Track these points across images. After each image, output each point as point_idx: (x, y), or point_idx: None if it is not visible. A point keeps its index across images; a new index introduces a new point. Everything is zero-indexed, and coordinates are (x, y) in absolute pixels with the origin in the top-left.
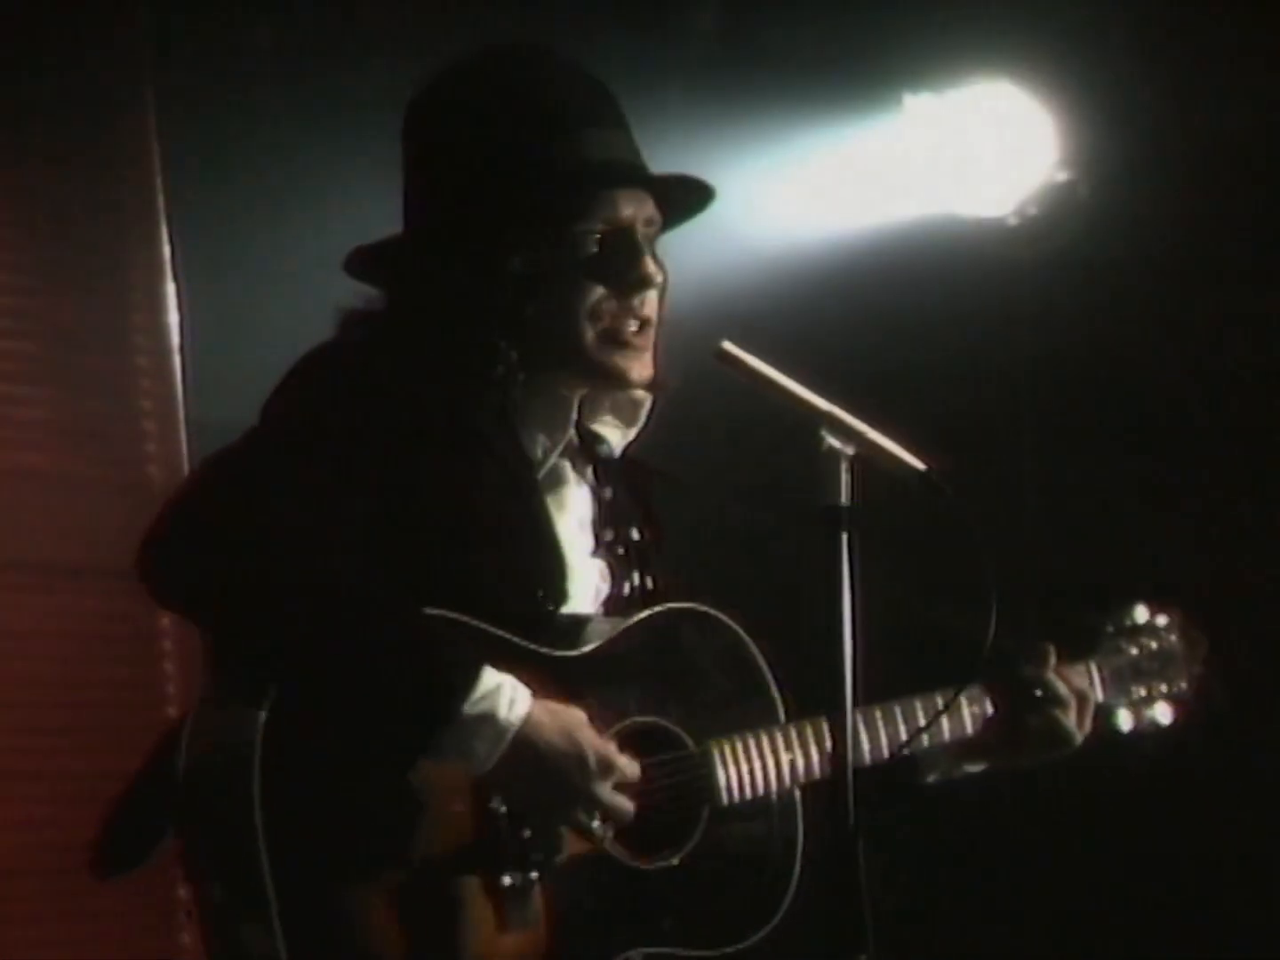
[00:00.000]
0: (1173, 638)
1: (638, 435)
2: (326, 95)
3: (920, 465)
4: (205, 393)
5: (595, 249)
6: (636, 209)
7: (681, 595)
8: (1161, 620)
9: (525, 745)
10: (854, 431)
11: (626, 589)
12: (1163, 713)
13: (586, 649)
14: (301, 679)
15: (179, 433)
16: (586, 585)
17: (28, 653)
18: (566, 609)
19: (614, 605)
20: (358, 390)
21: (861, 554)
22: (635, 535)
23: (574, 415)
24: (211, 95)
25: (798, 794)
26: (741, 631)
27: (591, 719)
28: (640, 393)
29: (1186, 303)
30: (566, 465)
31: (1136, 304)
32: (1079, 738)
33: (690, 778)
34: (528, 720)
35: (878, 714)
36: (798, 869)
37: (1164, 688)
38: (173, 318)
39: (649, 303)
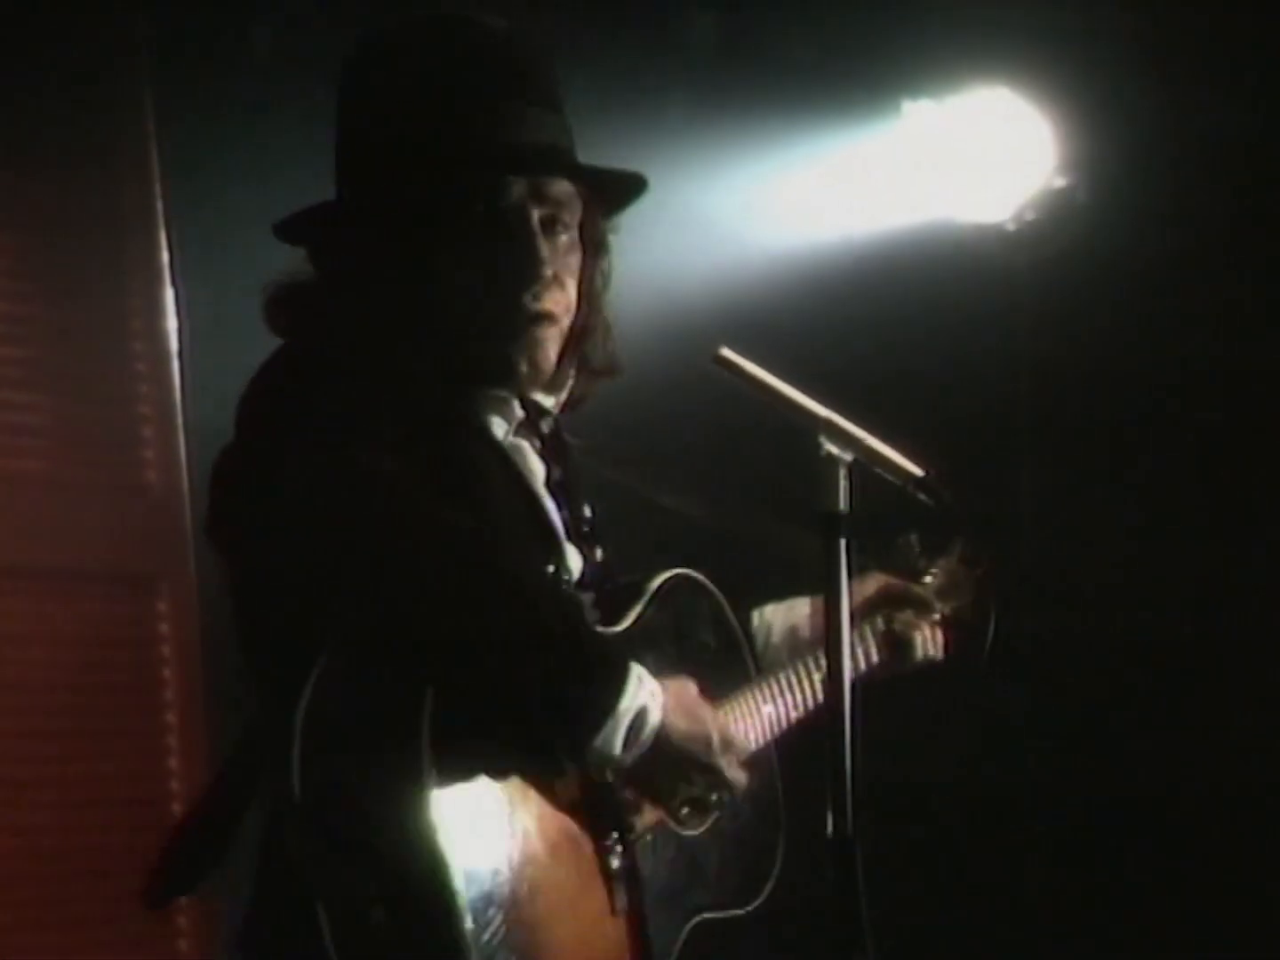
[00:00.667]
0: (954, 559)
1: (569, 395)
2: (327, 100)
3: (918, 471)
4: (204, 398)
5: (477, 232)
6: (530, 191)
7: (623, 566)
8: (947, 543)
9: (663, 738)
10: (852, 437)
11: (594, 564)
12: (940, 639)
13: (626, 624)
14: (453, 655)
15: (177, 438)
16: (572, 562)
17: (26, 658)
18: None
19: (584, 584)
20: (355, 391)
21: (858, 560)
22: (588, 513)
23: (517, 391)
24: (211, 100)
25: (773, 748)
26: (718, 593)
27: None
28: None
29: (1187, 308)
30: (523, 442)
31: (1136, 309)
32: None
33: None
34: (666, 714)
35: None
36: (783, 818)
37: (949, 607)
38: (171, 323)
39: (549, 296)
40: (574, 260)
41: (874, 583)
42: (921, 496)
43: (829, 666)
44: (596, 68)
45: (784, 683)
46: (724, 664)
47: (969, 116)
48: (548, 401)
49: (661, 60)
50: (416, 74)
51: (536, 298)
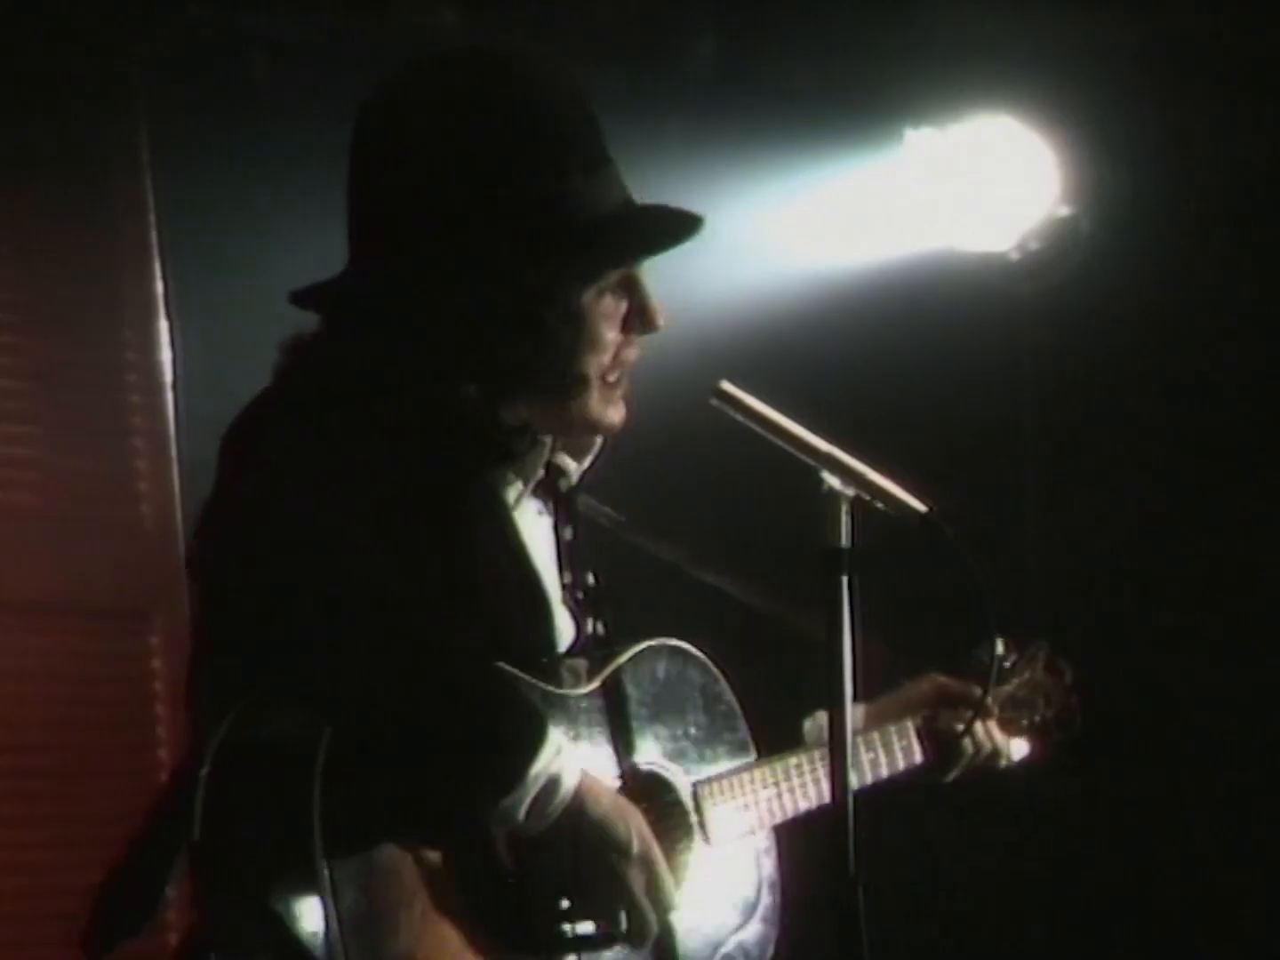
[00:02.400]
0: (1039, 668)
1: (594, 460)
2: (323, 130)
3: (921, 507)
4: (198, 432)
5: (612, 294)
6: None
7: (630, 636)
8: (1030, 651)
9: (576, 813)
10: (854, 473)
11: (586, 634)
12: (1019, 747)
13: (589, 688)
14: (365, 711)
15: (171, 472)
16: (563, 629)
17: (16, 693)
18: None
19: (577, 650)
20: (364, 431)
21: (862, 598)
22: (591, 580)
23: (547, 459)
24: (207, 132)
25: (771, 835)
26: (712, 664)
27: (601, 757)
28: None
29: (1191, 338)
30: (532, 503)
31: (1140, 340)
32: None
33: (684, 821)
34: (582, 786)
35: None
36: (778, 912)
37: (1035, 717)
38: (166, 355)
39: (637, 349)
40: None
41: (928, 683)
42: (924, 533)
43: (830, 708)
44: (590, 93)
45: (795, 769)
46: (714, 739)
47: (972, 144)
48: (570, 464)
49: (659, 87)
50: (538, 127)
51: (634, 352)
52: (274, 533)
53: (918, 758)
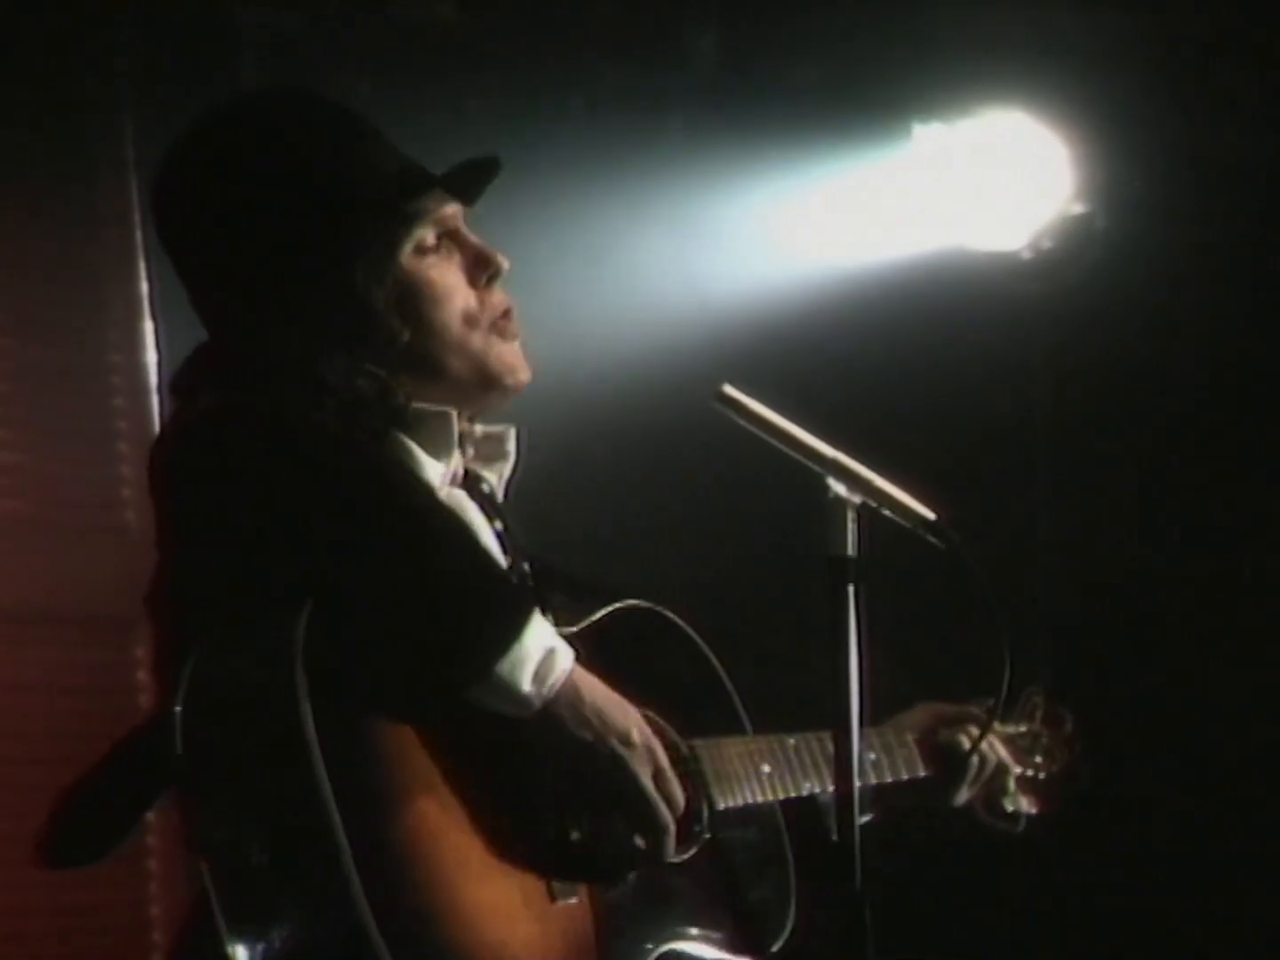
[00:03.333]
0: (1038, 720)
1: (514, 471)
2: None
3: (929, 514)
4: None
5: (434, 252)
6: (451, 206)
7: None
8: (1027, 702)
9: (573, 690)
10: (860, 479)
11: None
12: (1029, 803)
13: (574, 628)
14: (351, 580)
15: None
16: None
17: (3, 706)
18: None
19: None
20: (291, 439)
21: (868, 607)
22: (528, 568)
23: (455, 438)
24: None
25: (779, 812)
26: (692, 631)
27: None
28: (501, 427)
29: (1208, 339)
30: (462, 494)
31: (1155, 341)
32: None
33: (687, 773)
34: (577, 668)
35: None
36: (793, 885)
37: (1032, 772)
38: (151, 357)
39: (503, 292)
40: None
41: (923, 710)
42: (932, 540)
43: (836, 716)
44: (592, 89)
45: (794, 751)
46: (703, 704)
47: (982, 140)
48: (489, 475)
49: (661, 83)
50: (296, 131)
51: (499, 295)
52: (253, 427)
53: (920, 769)
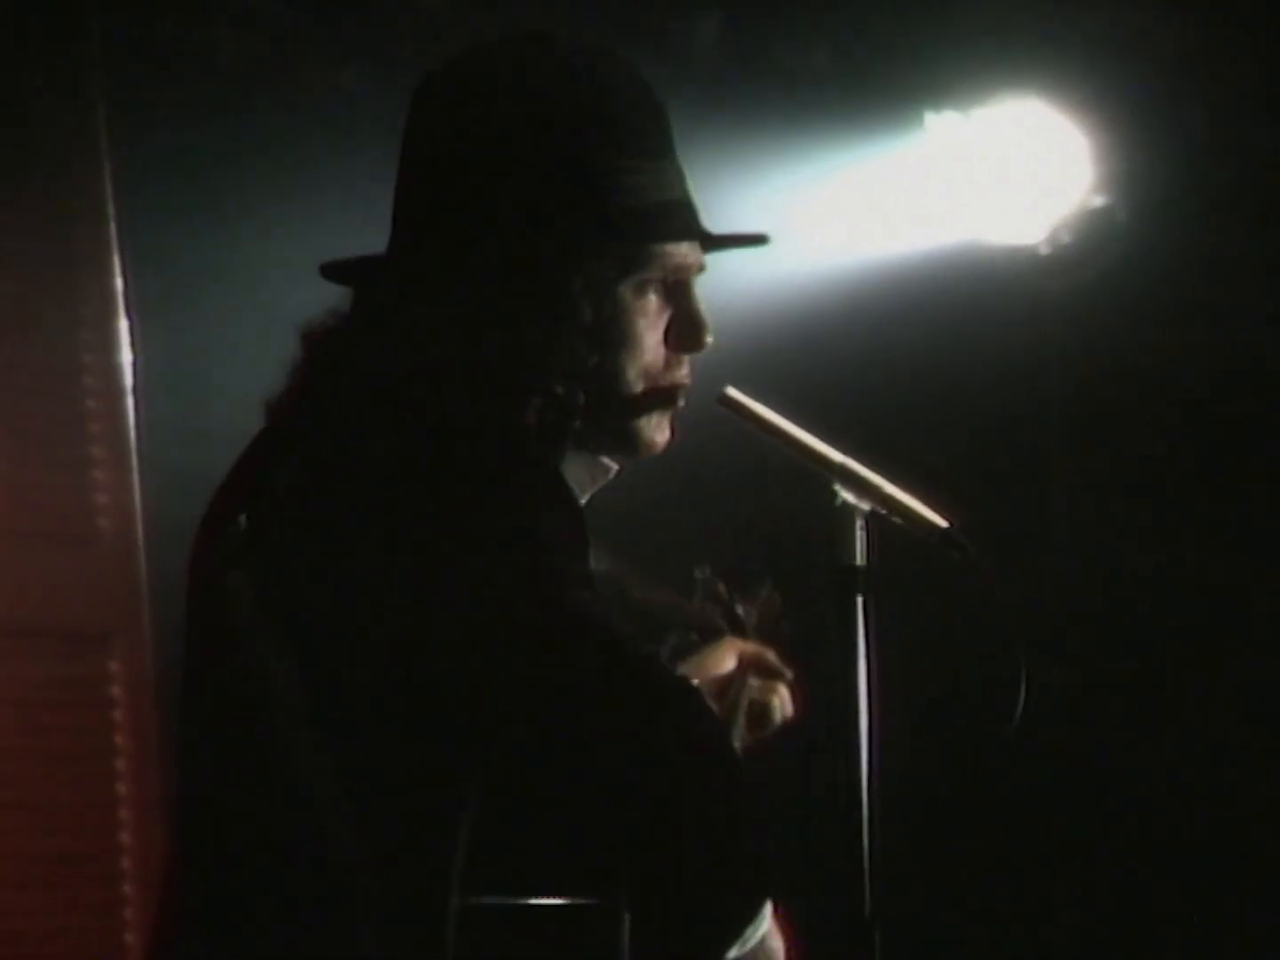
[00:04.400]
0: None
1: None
2: (298, 116)
3: (942, 522)
4: (161, 439)
5: (658, 298)
6: (698, 255)
7: None
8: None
9: (762, 947)
10: (870, 485)
11: None
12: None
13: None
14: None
15: (132, 482)
16: None
17: None
18: None
19: None
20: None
21: (877, 619)
22: None
23: (611, 468)
24: (170, 116)
25: None
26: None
27: None
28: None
29: (1232, 337)
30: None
31: (1178, 340)
32: None
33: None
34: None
35: None
36: None
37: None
38: (125, 357)
39: (688, 371)
40: None
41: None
42: (945, 549)
43: (844, 740)
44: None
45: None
46: None
47: (998, 130)
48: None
49: (659, 69)
50: (591, 108)
51: (687, 367)
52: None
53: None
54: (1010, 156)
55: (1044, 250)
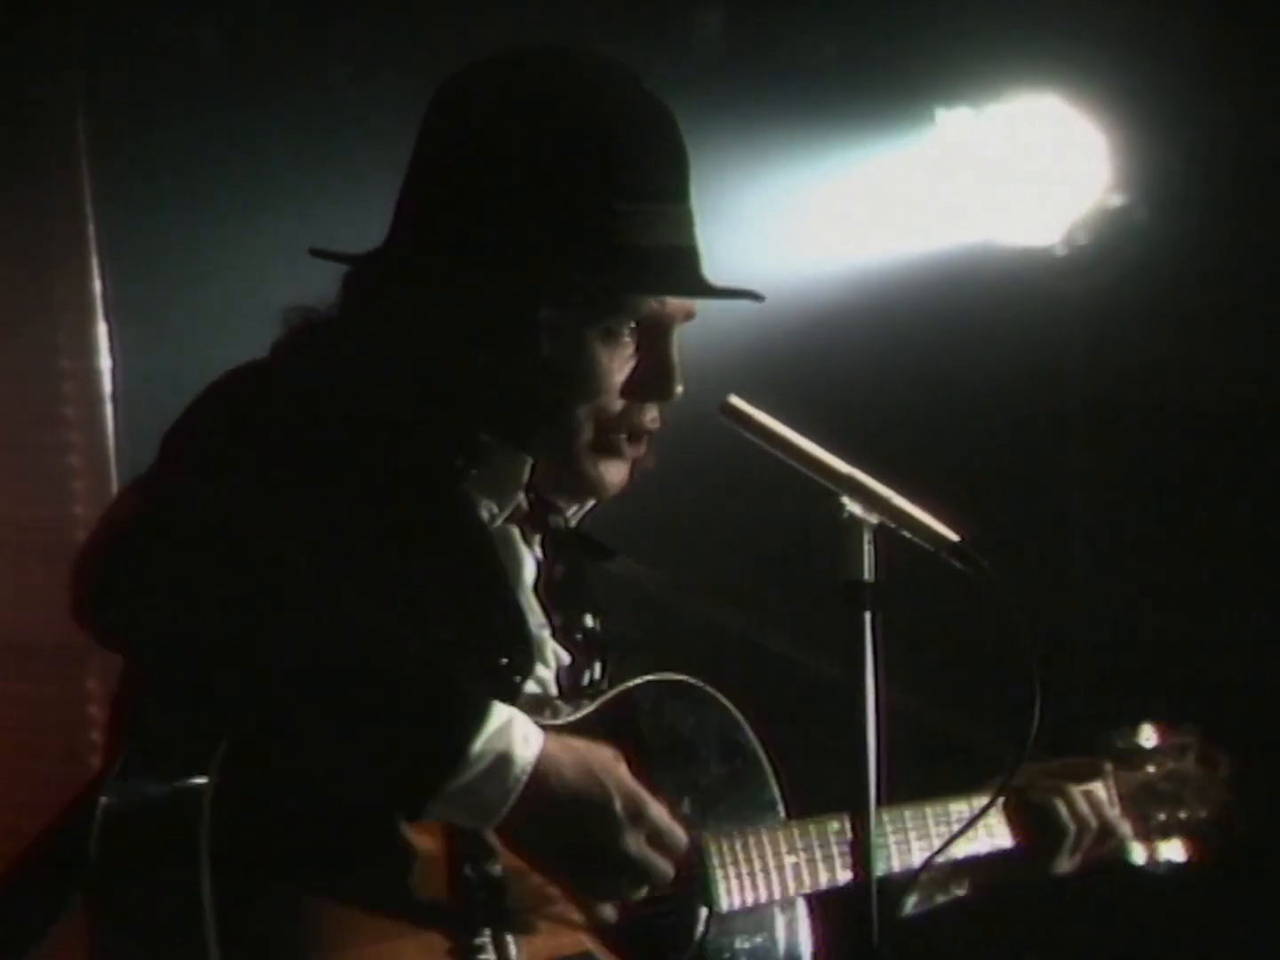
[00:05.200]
0: (1189, 760)
1: (594, 505)
2: (280, 114)
3: (954, 536)
4: (141, 447)
5: (629, 343)
6: (680, 304)
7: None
8: (1177, 740)
9: (540, 787)
10: (878, 498)
11: (585, 680)
12: (1176, 849)
13: (569, 718)
14: (273, 712)
15: (110, 493)
16: (545, 665)
17: None
18: (529, 687)
19: (571, 693)
20: (306, 410)
21: (886, 636)
22: (590, 621)
23: (524, 482)
24: (150, 114)
25: (802, 905)
26: (734, 709)
27: None
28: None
29: (1255, 341)
30: (514, 531)
31: (1199, 343)
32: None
33: (686, 875)
34: (542, 756)
35: (886, 819)
36: None
37: (1181, 815)
38: (105, 363)
39: (655, 416)
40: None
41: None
42: (957, 565)
43: (853, 758)
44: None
45: (837, 836)
46: (732, 790)
47: (1012, 126)
48: (569, 508)
49: (660, 63)
50: (595, 133)
51: (649, 417)
52: (185, 515)
53: (1005, 839)
54: (1025, 154)
55: (1060, 252)
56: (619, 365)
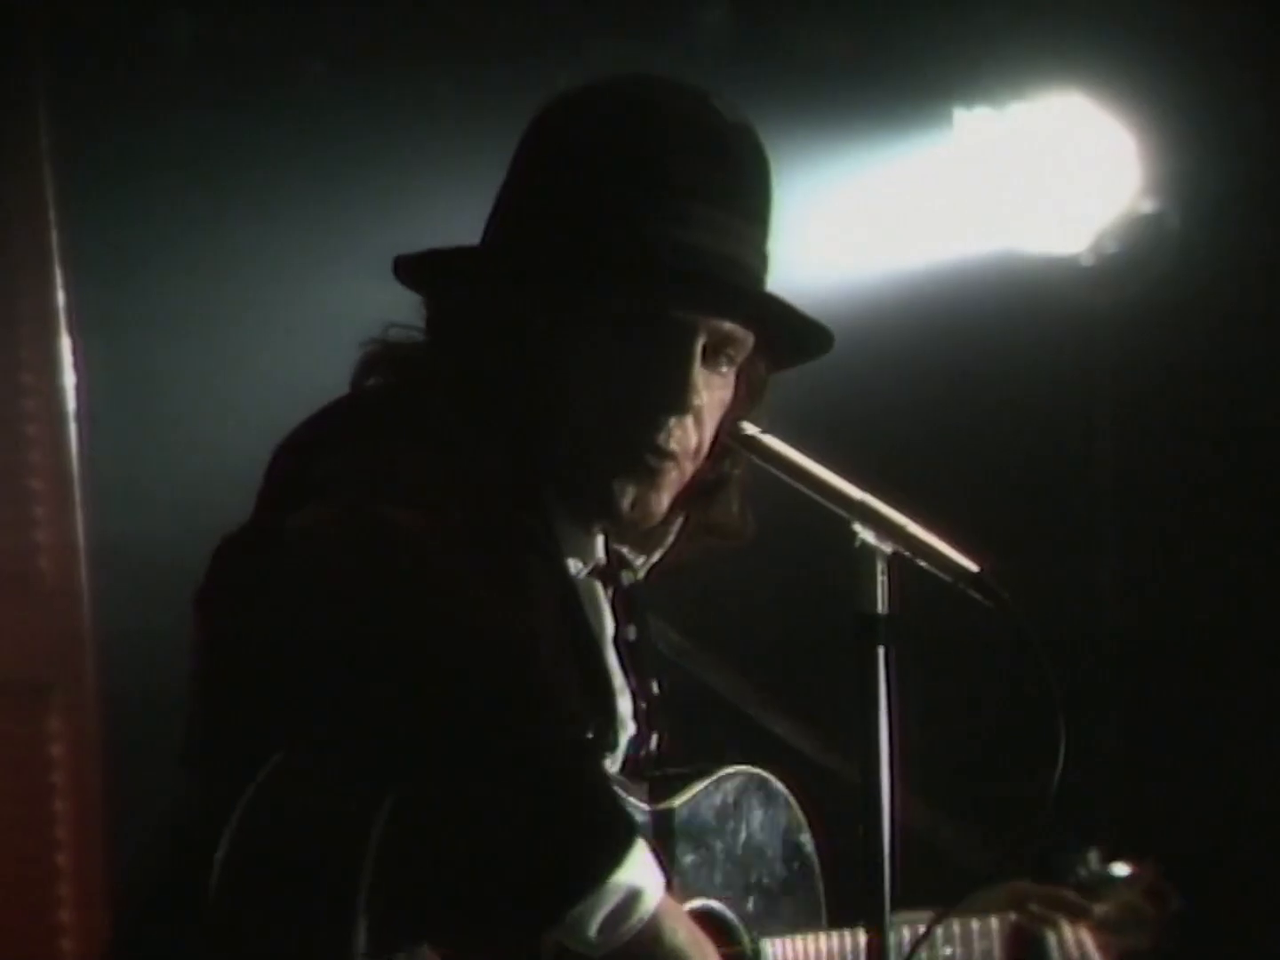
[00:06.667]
0: (1137, 891)
1: (662, 556)
2: (256, 113)
3: (973, 566)
4: (107, 470)
5: (639, 345)
6: (705, 319)
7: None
8: (1138, 873)
9: (652, 937)
10: (892, 525)
11: (644, 751)
12: None
13: (664, 805)
14: (432, 782)
15: (75, 519)
16: (623, 737)
17: None
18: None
19: (631, 767)
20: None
21: (901, 672)
22: (656, 689)
23: (596, 529)
24: (116, 115)
25: None
26: (800, 809)
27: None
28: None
29: None
30: (597, 587)
31: (1235, 358)
32: None
33: None
34: (664, 901)
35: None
36: None
37: (1127, 944)
38: (68, 379)
39: (685, 432)
40: (726, 399)
41: (1007, 889)
42: (976, 597)
43: (865, 796)
44: (591, 65)
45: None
46: (790, 893)
47: (1035, 127)
48: (636, 559)
49: (661, 59)
50: (620, 143)
51: (668, 433)
52: (329, 545)
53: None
54: (1048, 157)
55: (1088, 261)
56: (627, 371)
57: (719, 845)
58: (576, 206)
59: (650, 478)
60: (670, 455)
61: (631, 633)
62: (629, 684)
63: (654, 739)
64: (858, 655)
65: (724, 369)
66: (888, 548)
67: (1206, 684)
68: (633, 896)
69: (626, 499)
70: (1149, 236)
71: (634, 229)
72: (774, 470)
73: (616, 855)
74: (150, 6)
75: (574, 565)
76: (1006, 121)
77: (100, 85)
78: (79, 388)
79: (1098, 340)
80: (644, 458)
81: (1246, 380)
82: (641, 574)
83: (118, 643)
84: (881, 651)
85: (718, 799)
